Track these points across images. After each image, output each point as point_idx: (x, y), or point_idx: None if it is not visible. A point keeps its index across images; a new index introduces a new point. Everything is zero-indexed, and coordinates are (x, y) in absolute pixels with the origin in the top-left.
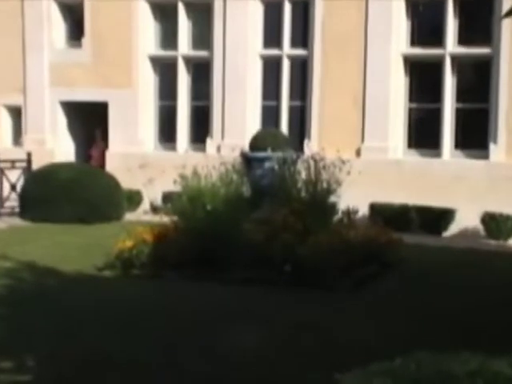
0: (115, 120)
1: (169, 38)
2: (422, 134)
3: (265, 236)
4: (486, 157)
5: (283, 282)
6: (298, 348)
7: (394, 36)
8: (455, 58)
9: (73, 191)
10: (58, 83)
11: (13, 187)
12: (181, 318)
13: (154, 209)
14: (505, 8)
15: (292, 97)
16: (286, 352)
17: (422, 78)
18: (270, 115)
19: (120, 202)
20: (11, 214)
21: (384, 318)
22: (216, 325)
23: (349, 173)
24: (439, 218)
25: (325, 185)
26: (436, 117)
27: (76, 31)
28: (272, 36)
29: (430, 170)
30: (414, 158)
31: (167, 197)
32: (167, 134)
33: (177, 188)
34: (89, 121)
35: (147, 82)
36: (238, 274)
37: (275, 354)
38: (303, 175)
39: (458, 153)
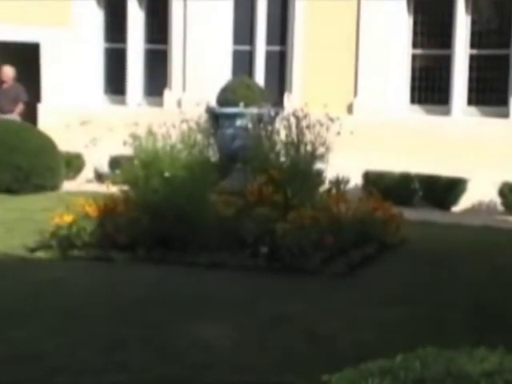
0: (49, 66)
1: None
2: (429, 86)
3: (236, 210)
4: (505, 115)
5: (258, 266)
6: (274, 348)
7: None
8: None
9: None
10: None
11: None
12: (132, 309)
13: (99, 176)
14: None
15: (270, 40)
16: (257, 352)
17: (429, 18)
18: (242, 62)
19: (56, 167)
20: None
21: (380, 310)
22: (174, 318)
23: (338, 133)
24: (448, 189)
25: (309, 148)
26: (445, 66)
27: None
28: None
29: (437, 130)
30: (418, 116)
31: (115, 161)
32: (115, 83)
33: (127, 151)
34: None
35: (89, 18)
36: (202, 257)
37: (244, 354)
38: (283, 136)
39: (472, 110)
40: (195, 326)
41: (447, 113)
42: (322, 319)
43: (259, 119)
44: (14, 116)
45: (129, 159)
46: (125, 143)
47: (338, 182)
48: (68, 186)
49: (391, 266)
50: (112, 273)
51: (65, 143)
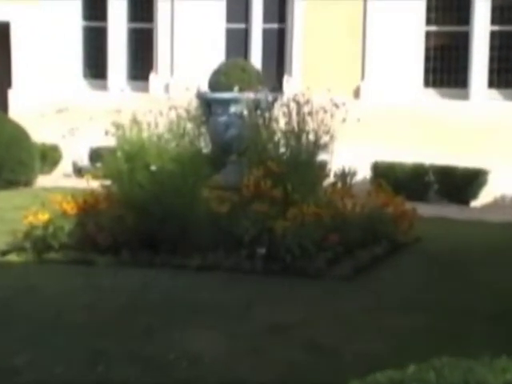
0: (20, 47)
1: None
2: (444, 67)
3: (231, 207)
4: None
5: (255, 268)
6: (272, 360)
7: None
8: None
9: None
10: None
11: None
12: (115, 318)
13: (79, 170)
14: None
15: (267, 17)
16: (253, 364)
17: None
18: (236, 42)
19: (29, 160)
20: None
21: (390, 318)
22: (162, 327)
23: (344, 121)
24: (466, 181)
25: (311, 137)
26: (463, 44)
27: None
28: None
29: (454, 117)
30: (433, 100)
31: (96, 154)
32: (96, 67)
33: (109, 142)
34: None
35: None
36: (193, 259)
37: (239, 367)
38: (282, 124)
39: (493, 93)
40: (185, 336)
41: (465, 96)
42: (325, 327)
43: (256, 105)
44: None
45: (111, 151)
46: (106, 133)
47: (343, 175)
48: (43, 181)
49: (403, 268)
50: (93, 278)
51: (39, 133)
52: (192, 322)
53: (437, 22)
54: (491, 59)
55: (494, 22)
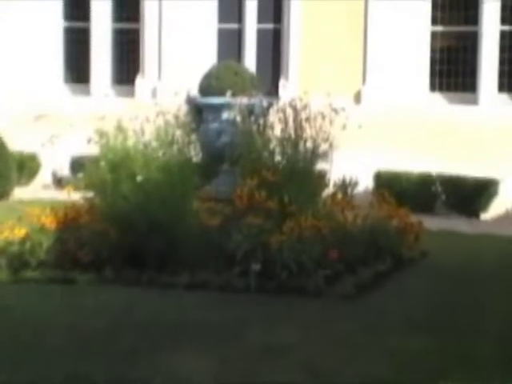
0: None
1: None
2: (452, 70)
3: (222, 220)
4: None
5: (249, 286)
6: None
7: None
8: None
9: None
10: None
11: None
12: (96, 340)
13: (59, 181)
14: None
15: (262, 16)
16: None
17: None
18: (229, 43)
19: (5, 171)
20: None
21: (394, 339)
22: (147, 350)
23: (344, 127)
24: (476, 192)
25: (309, 145)
26: (472, 46)
27: None
28: None
29: (462, 123)
30: (440, 105)
31: (78, 163)
32: (78, 70)
33: (92, 150)
34: None
35: None
36: (182, 277)
37: None
38: (278, 131)
39: (504, 98)
40: (172, 360)
41: (474, 101)
42: (324, 349)
43: (250, 111)
44: None
45: (94, 160)
46: (89, 141)
47: (344, 185)
48: (20, 193)
49: (408, 286)
50: (73, 298)
51: (16, 142)
52: (180, 345)
53: (443, 22)
54: (501, 61)
55: (504, 21)
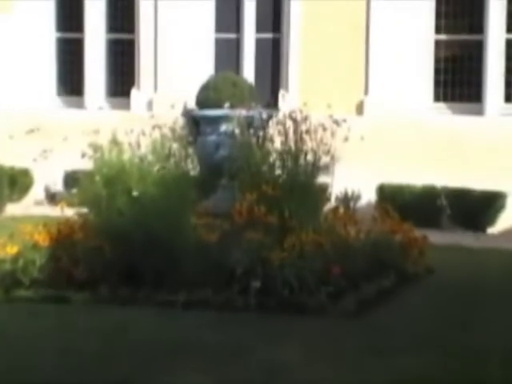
0: None
1: None
2: (456, 80)
3: (221, 236)
4: None
5: (249, 304)
6: None
7: None
8: None
9: None
10: None
11: None
12: (91, 363)
13: (52, 197)
14: None
15: (260, 26)
16: None
17: None
18: (227, 53)
19: None
20: None
21: (398, 360)
22: (143, 373)
23: (346, 139)
24: (482, 206)
25: (310, 158)
26: (477, 54)
27: None
28: None
29: (468, 134)
30: (445, 116)
31: (72, 178)
32: (71, 82)
33: (86, 165)
34: None
35: (35, 1)
36: (179, 295)
37: None
38: (278, 144)
39: (510, 108)
40: (170, 381)
41: (480, 112)
42: (327, 369)
43: (248, 123)
44: None
45: (88, 175)
46: (83, 155)
47: (346, 199)
48: (12, 209)
49: (413, 303)
50: (67, 318)
51: (8, 157)
52: (177, 366)
53: (447, 31)
54: (508, 71)
55: (509, 29)
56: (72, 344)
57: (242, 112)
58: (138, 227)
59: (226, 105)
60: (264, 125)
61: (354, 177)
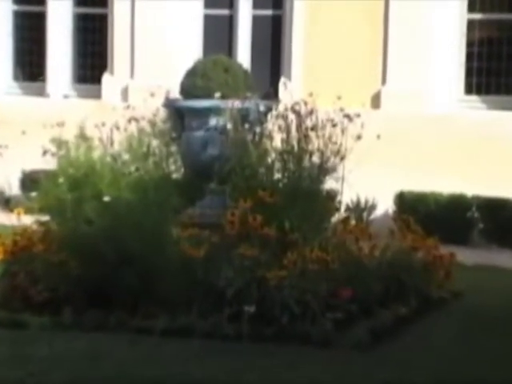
0: None
1: None
2: (492, 69)
3: (209, 250)
4: None
5: (241, 333)
6: None
7: None
8: None
9: None
10: None
11: None
12: None
13: (6, 202)
14: None
15: (258, 1)
16: None
17: None
18: (218, 33)
19: None
20: None
21: None
22: None
23: (359, 137)
24: None
25: (316, 159)
26: None
27: None
28: None
29: (504, 132)
30: (477, 111)
31: (30, 179)
32: (30, 64)
33: (49, 164)
34: None
35: None
36: (158, 321)
37: None
38: (278, 141)
39: None
40: None
41: None
42: None
43: (243, 117)
44: None
45: (50, 176)
46: (45, 152)
47: (358, 209)
48: None
49: (436, 334)
50: (23, 346)
51: None
52: None
53: (482, 9)
54: None
55: None
56: (28, 376)
57: (235, 103)
58: (109, 239)
59: (217, 94)
60: (261, 119)
61: (369, 182)
